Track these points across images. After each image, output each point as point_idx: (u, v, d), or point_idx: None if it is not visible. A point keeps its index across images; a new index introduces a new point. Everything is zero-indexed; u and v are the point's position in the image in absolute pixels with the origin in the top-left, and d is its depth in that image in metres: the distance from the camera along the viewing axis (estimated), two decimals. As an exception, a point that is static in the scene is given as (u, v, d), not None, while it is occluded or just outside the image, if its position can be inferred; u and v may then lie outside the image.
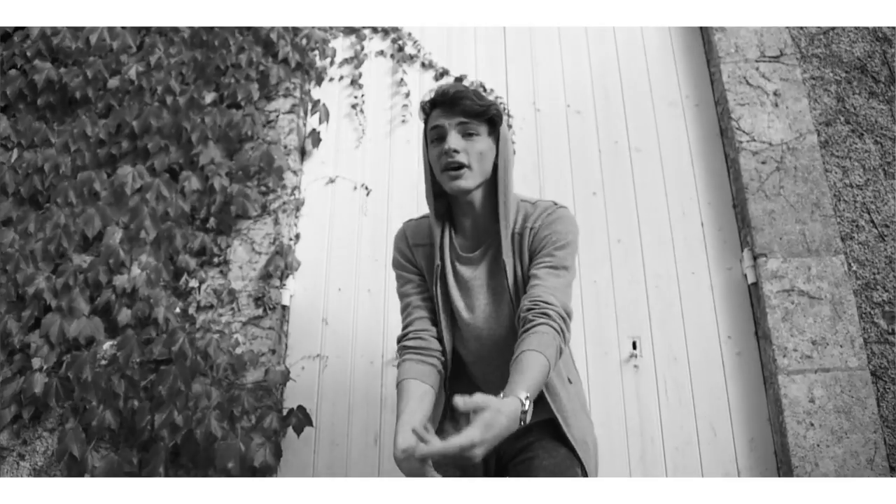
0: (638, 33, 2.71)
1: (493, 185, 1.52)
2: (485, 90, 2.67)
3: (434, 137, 1.48)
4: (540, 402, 1.47)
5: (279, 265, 2.36)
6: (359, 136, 2.67)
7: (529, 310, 1.38)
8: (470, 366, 1.60)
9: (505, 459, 1.53)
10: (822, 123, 2.36)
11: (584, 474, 1.42)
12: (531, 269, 1.48)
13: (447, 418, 1.58)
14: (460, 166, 1.44)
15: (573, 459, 1.42)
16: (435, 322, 1.58)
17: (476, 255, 1.56)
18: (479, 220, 1.55)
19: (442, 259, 1.56)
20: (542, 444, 1.45)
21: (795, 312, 2.11)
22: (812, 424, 1.99)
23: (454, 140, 1.44)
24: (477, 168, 1.46)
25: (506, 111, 2.62)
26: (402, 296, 1.63)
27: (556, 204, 1.54)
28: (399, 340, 1.57)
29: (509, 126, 2.59)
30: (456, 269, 1.57)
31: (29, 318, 2.31)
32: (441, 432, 1.54)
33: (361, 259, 2.46)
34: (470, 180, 1.45)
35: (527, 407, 1.20)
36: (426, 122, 1.53)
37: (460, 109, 1.44)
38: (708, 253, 2.34)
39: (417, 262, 1.62)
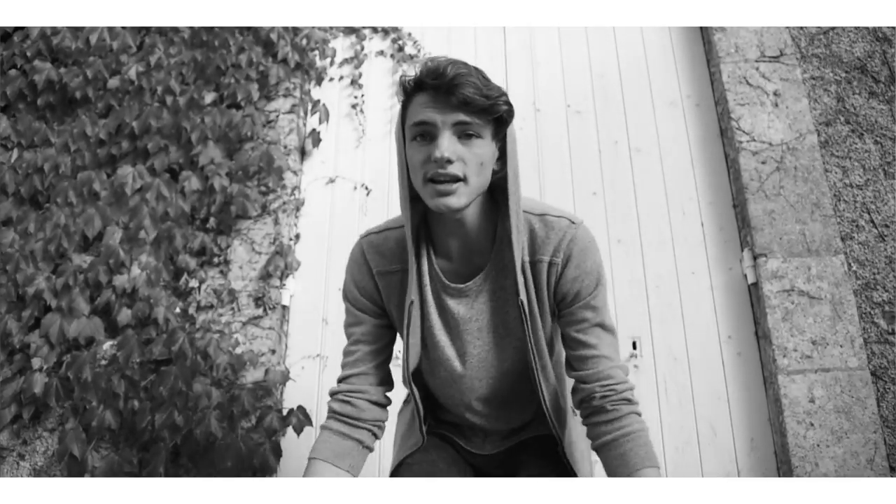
0: (638, 33, 2.71)
1: (490, 192, 1.19)
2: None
3: (418, 133, 1.09)
4: (538, 419, 1.39)
5: (279, 265, 2.36)
6: (359, 136, 2.67)
7: (606, 397, 1.17)
8: (451, 408, 1.36)
9: (486, 472, 1.40)
10: (822, 123, 2.36)
11: None
12: (566, 321, 1.21)
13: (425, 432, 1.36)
14: (454, 179, 1.07)
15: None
16: (384, 379, 1.29)
17: (471, 286, 1.21)
18: (470, 240, 1.20)
19: (421, 290, 1.22)
20: (539, 463, 1.31)
21: (795, 312, 2.11)
22: (812, 424, 1.99)
23: (448, 144, 1.06)
24: (474, 182, 1.09)
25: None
26: (348, 336, 1.30)
27: (572, 222, 1.20)
28: (330, 395, 1.28)
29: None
30: (443, 304, 1.23)
31: (29, 318, 2.30)
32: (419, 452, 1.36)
33: (361, 259, 2.45)
34: (463, 197, 1.08)
35: None
36: (406, 107, 1.13)
37: (459, 101, 1.04)
38: (708, 253, 2.34)
39: (383, 296, 1.25)
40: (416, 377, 1.33)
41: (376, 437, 1.28)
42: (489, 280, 1.21)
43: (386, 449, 2.20)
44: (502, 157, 1.16)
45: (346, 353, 1.29)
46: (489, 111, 1.07)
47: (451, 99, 1.05)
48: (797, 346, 2.08)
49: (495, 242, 1.21)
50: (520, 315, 1.19)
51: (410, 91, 1.11)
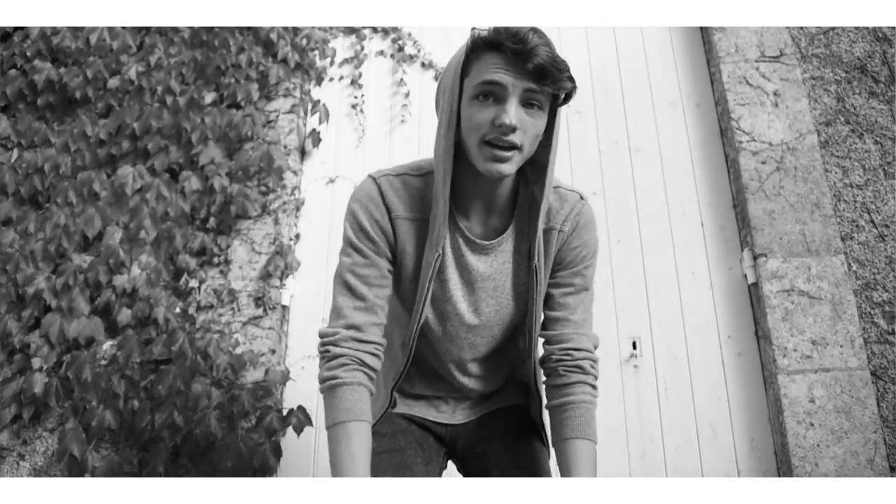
0: (638, 33, 2.71)
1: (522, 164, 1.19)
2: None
3: (484, 92, 1.08)
4: (509, 391, 1.42)
5: (279, 265, 2.36)
6: (359, 136, 2.67)
7: (560, 360, 1.23)
8: (429, 359, 1.35)
9: (460, 448, 1.40)
10: (822, 123, 2.36)
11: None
12: (555, 284, 1.27)
13: (403, 381, 1.37)
14: (512, 147, 1.08)
15: (543, 449, 1.36)
16: (385, 331, 1.27)
17: (494, 244, 1.23)
18: (494, 202, 1.22)
19: (443, 244, 1.21)
20: (510, 436, 1.33)
21: (795, 312, 2.11)
22: (812, 424, 1.99)
23: (514, 112, 1.06)
24: (527, 151, 1.12)
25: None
26: (357, 277, 1.20)
27: (581, 198, 1.28)
28: (345, 343, 1.17)
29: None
30: (463, 259, 1.23)
31: (29, 318, 2.30)
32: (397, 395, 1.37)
33: (361, 259, 2.45)
34: (514, 165, 1.11)
35: None
36: (470, 63, 1.10)
37: (534, 68, 1.04)
38: (708, 253, 2.34)
39: (399, 241, 1.22)
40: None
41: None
42: (510, 242, 1.25)
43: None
44: (548, 130, 1.16)
45: (359, 297, 1.19)
46: (558, 84, 1.07)
47: (526, 65, 1.05)
48: (797, 346, 2.08)
49: (516, 209, 1.24)
50: (528, 279, 1.24)
51: (482, 46, 1.09)
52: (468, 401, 1.41)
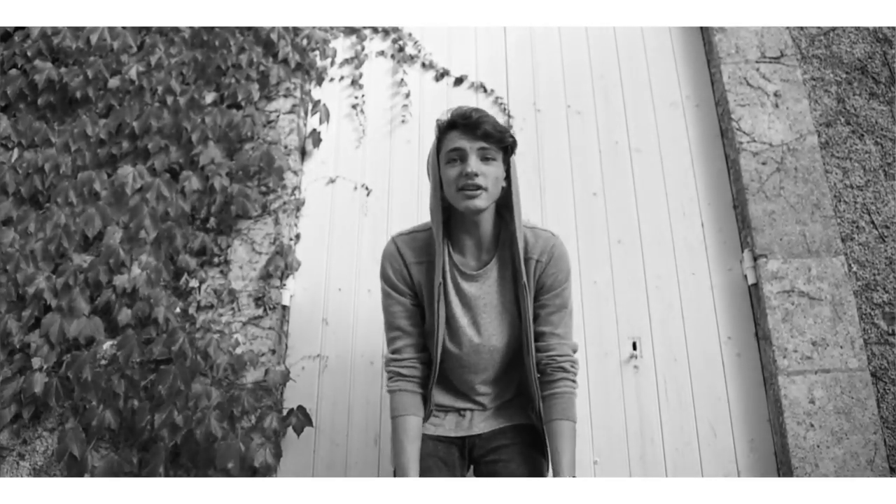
0: (638, 33, 2.71)
1: (496, 207, 1.62)
2: (486, 91, 2.67)
3: (452, 158, 1.53)
4: (518, 406, 1.73)
5: (279, 265, 2.36)
6: (359, 136, 2.67)
7: (547, 364, 1.61)
8: (451, 372, 1.70)
9: (476, 454, 1.68)
10: (822, 124, 2.36)
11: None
12: (540, 305, 1.63)
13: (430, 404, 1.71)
14: (478, 188, 1.50)
15: (544, 462, 1.65)
16: (422, 347, 1.67)
17: (481, 272, 1.62)
18: (482, 239, 1.62)
19: (444, 275, 1.61)
20: (516, 449, 1.63)
21: (796, 313, 2.11)
22: (812, 425, 1.99)
23: (475, 164, 1.50)
24: (492, 191, 1.53)
25: (506, 112, 2.62)
26: (391, 316, 1.68)
27: (553, 235, 1.65)
28: (392, 362, 1.66)
29: (509, 126, 2.59)
30: (459, 286, 1.63)
31: (29, 317, 2.31)
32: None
33: (361, 259, 2.46)
34: (484, 201, 1.52)
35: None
36: (441, 141, 1.57)
37: (482, 134, 1.50)
38: (708, 254, 2.34)
39: (414, 281, 1.65)
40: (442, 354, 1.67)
41: (425, 389, 1.66)
42: (494, 270, 1.63)
43: (385, 449, 2.21)
44: (507, 177, 1.59)
45: (393, 328, 1.67)
46: (501, 141, 1.53)
47: (476, 132, 1.51)
48: (797, 346, 2.08)
49: (498, 244, 1.64)
50: (516, 297, 1.63)
51: (445, 129, 1.57)
52: (484, 412, 1.72)
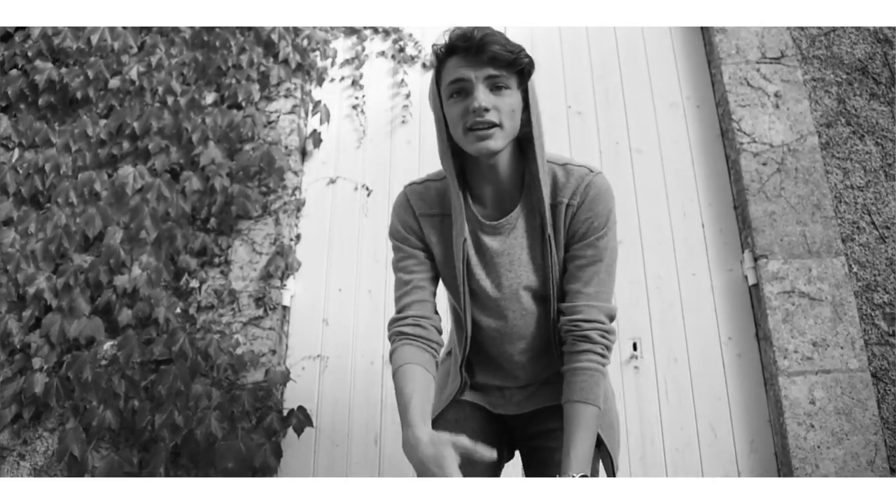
0: (639, 34, 2.71)
1: (517, 144, 1.35)
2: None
3: (454, 91, 1.25)
4: (558, 385, 1.44)
5: (280, 265, 2.36)
6: (359, 136, 2.67)
7: (569, 331, 1.32)
8: (486, 343, 1.45)
9: (521, 436, 1.48)
10: (822, 125, 2.36)
11: (610, 461, 1.41)
12: (570, 257, 1.35)
13: (462, 393, 1.49)
14: (491, 125, 1.23)
15: (594, 457, 1.37)
16: (434, 309, 1.42)
17: (503, 223, 1.36)
18: (502, 185, 1.36)
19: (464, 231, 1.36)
20: (558, 435, 1.36)
21: (796, 314, 2.11)
22: (812, 426, 1.99)
23: (483, 96, 1.22)
24: (508, 126, 1.25)
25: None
26: (400, 271, 1.42)
27: (591, 171, 1.34)
28: (394, 322, 1.39)
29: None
30: (479, 241, 1.38)
31: (29, 317, 2.31)
32: (452, 410, 1.48)
33: (362, 259, 2.46)
34: (500, 140, 1.25)
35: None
36: (440, 72, 1.29)
37: (489, 58, 1.22)
38: (709, 254, 2.34)
39: (425, 234, 1.40)
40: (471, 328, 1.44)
41: (436, 359, 1.39)
42: (520, 219, 1.36)
43: (385, 449, 2.21)
44: (526, 106, 1.30)
45: (403, 284, 1.40)
46: (514, 64, 1.23)
47: (481, 56, 1.22)
48: (798, 347, 2.08)
49: (524, 188, 1.36)
50: (544, 250, 1.35)
51: (443, 56, 1.28)
52: (521, 391, 1.48)
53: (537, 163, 1.30)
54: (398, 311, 1.39)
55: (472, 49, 1.22)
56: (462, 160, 1.36)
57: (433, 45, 1.29)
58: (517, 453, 1.54)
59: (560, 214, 1.32)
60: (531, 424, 1.46)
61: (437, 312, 1.41)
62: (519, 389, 1.48)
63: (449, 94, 1.26)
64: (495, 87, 1.24)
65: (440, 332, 1.40)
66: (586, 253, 1.32)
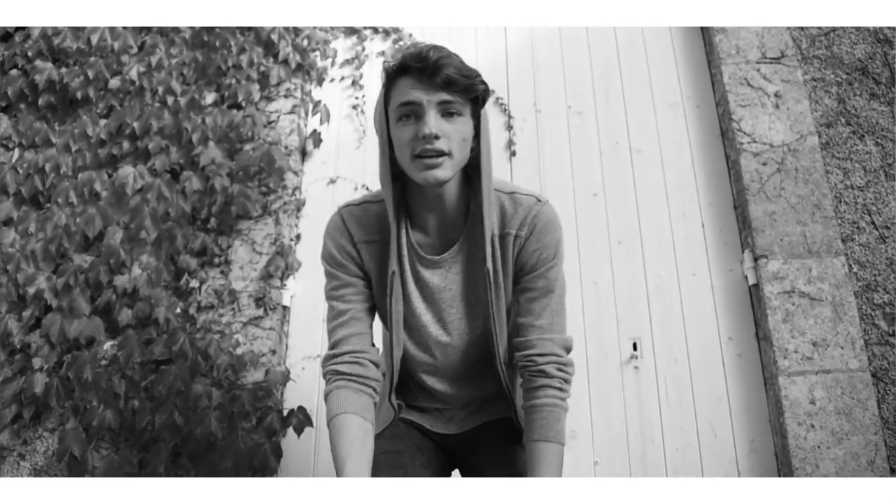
0: (639, 34, 2.71)
1: (464, 172, 1.28)
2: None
3: (404, 113, 1.17)
4: (500, 400, 1.45)
5: (280, 265, 2.36)
6: (359, 136, 2.67)
7: (525, 367, 1.28)
8: (419, 375, 1.41)
9: (461, 454, 1.46)
10: (823, 125, 2.36)
11: None
12: (520, 290, 1.30)
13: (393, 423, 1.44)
14: (440, 154, 1.15)
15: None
16: (371, 342, 1.33)
17: (445, 257, 1.30)
18: (447, 215, 1.28)
19: (400, 261, 1.29)
20: (499, 449, 1.38)
21: (796, 314, 2.11)
22: (813, 426, 1.99)
23: (434, 122, 1.14)
24: (457, 156, 1.18)
25: (507, 112, 2.62)
26: (335, 300, 1.32)
27: (539, 200, 1.29)
28: (329, 359, 1.30)
29: (510, 127, 2.59)
30: (419, 275, 1.31)
31: (29, 318, 2.31)
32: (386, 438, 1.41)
33: (362, 259, 2.46)
34: (448, 170, 1.17)
35: None
36: (388, 90, 1.20)
37: (443, 81, 1.13)
38: (709, 254, 2.34)
39: (364, 261, 1.31)
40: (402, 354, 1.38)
41: (375, 399, 1.31)
42: (462, 252, 1.30)
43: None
44: (476, 135, 1.23)
45: (339, 314, 1.31)
46: (469, 90, 1.16)
47: (435, 79, 1.13)
48: (798, 347, 2.07)
49: (468, 218, 1.29)
50: (487, 284, 1.27)
51: (394, 74, 1.19)
52: (462, 411, 1.46)
53: (483, 194, 1.23)
54: (333, 346, 1.31)
55: (426, 70, 1.13)
56: (404, 184, 1.28)
57: (384, 62, 1.22)
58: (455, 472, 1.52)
59: (508, 246, 1.27)
60: (468, 443, 1.44)
61: (373, 344, 1.34)
62: (459, 410, 1.45)
63: (398, 117, 1.18)
64: (447, 113, 1.16)
65: (378, 366, 1.32)
66: (537, 284, 1.28)
